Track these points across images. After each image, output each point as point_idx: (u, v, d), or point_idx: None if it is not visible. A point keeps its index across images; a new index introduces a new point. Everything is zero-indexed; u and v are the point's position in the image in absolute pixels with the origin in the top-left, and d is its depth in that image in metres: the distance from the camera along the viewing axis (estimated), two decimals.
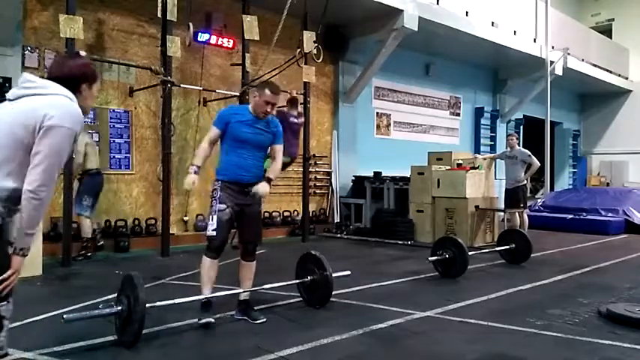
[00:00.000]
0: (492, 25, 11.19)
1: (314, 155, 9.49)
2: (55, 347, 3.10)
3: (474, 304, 4.33)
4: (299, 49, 7.86)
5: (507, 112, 14.23)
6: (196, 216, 8.05)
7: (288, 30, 7.76)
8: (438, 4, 9.85)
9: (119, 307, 3.18)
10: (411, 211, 8.74)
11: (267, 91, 3.65)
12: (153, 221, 7.41)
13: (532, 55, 12.57)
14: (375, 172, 9.82)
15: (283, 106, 7.03)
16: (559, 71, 13.25)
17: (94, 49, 7.08)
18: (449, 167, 8.57)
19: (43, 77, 2.06)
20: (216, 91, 7.82)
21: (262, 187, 3.63)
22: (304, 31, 7.80)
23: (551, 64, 12.93)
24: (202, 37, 7.66)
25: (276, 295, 4.29)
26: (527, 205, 9.13)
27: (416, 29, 9.15)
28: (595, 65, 15.13)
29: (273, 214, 8.97)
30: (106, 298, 4.13)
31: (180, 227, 7.92)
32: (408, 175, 8.91)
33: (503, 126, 14.19)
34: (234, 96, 7.78)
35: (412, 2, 9.08)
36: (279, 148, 3.83)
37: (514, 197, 8.50)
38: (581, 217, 10.23)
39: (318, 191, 9.90)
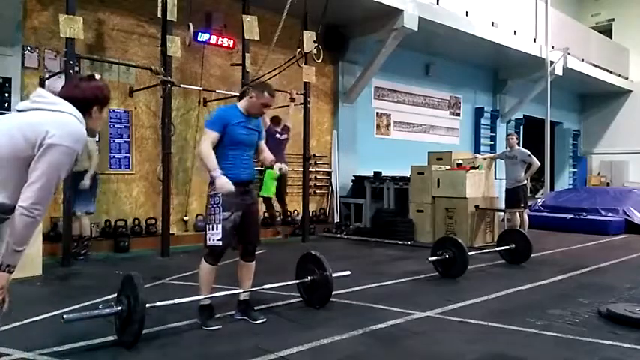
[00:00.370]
0: (492, 25, 11.19)
1: (314, 155, 9.49)
2: (55, 347, 3.10)
3: (473, 304, 4.33)
4: (299, 49, 7.87)
5: (507, 112, 14.23)
6: (196, 216, 8.05)
7: (288, 30, 7.77)
8: (438, 4, 9.85)
9: (119, 307, 3.17)
10: (411, 211, 8.74)
11: (265, 94, 3.66)
12: (153, 221, 7.41)
13: (532, 55, 12.57)
14: (375, 172, 9.82)
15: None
16: (559, 71, 13.25)
17: (94, 49, 7.09)
18: (449, 167, 8.57)
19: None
20: (216, 91, 7.82)
21: (284, 166, 4.03)
22: (304, 31, 7.80)
23: (551, 64, 12.93)
24: (202, 37, 7.66)
25: (276, 295, 4.28)
26: (528, 205, 9.13)
27: (416, 29, 9.15)
28: (595, 65, 15.13)
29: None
30: (106, 298, 4.13)
31: (180, 227, 7.92)
32: (408, 175, 8.91)
33: (503, 126, 14.19)
34: (234, 96, 7.77)
35: (412, 2, 9.08)
36: (263, 143, 3.96)
37: (514, 197, 8.50)
38: (581, 217, 10.23)
39: (318, 191, 9.90)
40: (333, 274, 4.06)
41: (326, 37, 9.31)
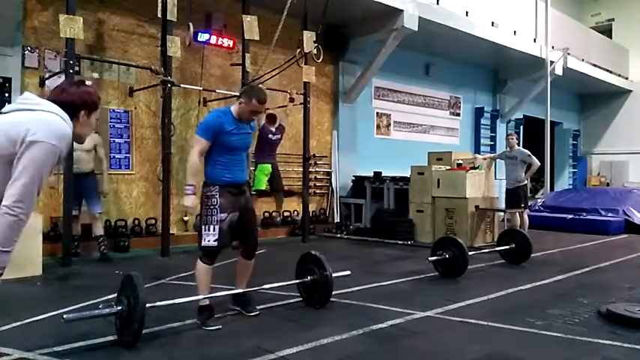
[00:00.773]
0: (492, 25, 11.18)
1: (314, 155, 9.48)
2: (55, 347, 3.10)
3: (473, 304, 4.33)
4: (299, 49, 7.86)
5: (507, 112, 14.22)
6: (196, 216, 8.03)
7: (288, 30, 7.76)
8: (438, 4, 9.84)
9: (119, 307, 3.17)
10: (411, 211, 8.74)
11: (254, 101, 3.63)
12: (153, 221, 7.41)
13: (532, 55, 12.57)
14: (375, 172, 9.81)
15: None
16: (559, 71, 13.25)
17: (94, 49, 7.09)
18: (449, 167, 8.57)
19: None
20: (216, 91, 7.82)
21: None
22: (304, 31, 7.80)
23: (551, 64, 12.93)
24: (202, 37, 7.65)
25: (276, 295, 4.28)
26: (528, 205, 9.13)
27: (416, 29, 9.15)
28: (595, 65, 15.11)
29: (273, 214, 8.97)
30: (106, 298, 4.13)
31: (180, 227, 7.92)
32: (408, 175, 8.91)
33: (503, 126, 14.19)
34: (234, 96, 7.76)
35: (412, 2, 9.08)
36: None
37: (514, 197, 8.50)
38: (581, 217, 10.23)
39: (318, 191, 9.90)
40: (333, 274, 4.06)
41: (326, 37, 9.30)
